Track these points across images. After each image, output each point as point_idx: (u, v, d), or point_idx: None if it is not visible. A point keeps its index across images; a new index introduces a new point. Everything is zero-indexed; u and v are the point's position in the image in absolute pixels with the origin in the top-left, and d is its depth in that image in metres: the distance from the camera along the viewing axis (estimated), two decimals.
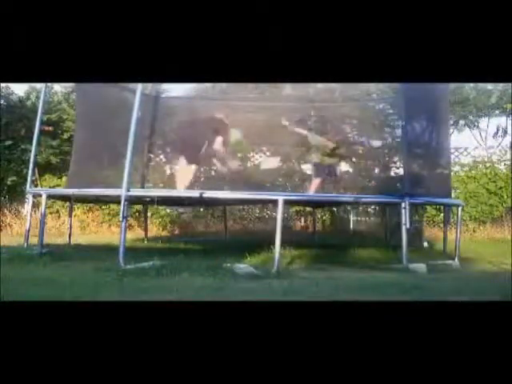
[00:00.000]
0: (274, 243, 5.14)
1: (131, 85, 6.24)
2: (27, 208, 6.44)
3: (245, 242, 7.39)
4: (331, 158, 7.38)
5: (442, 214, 9.11)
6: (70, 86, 10.55)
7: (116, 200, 6.09)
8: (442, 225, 8.58)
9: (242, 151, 8.94)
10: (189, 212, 10.90)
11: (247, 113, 7.88)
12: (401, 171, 6.90)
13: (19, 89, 11.18)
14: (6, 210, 9.71)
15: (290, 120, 7.45)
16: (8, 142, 10.30)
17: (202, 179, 9.12)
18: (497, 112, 12.43)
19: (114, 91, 7.15)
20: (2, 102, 10.80)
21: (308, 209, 9.94)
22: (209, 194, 5.89)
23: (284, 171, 9.51)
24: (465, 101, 11.89)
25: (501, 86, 11.48)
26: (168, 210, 10.66)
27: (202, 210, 10.78)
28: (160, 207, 9.87)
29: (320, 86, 9.33)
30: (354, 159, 8.81)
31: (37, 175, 6.53)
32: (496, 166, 11.20)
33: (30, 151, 6.77)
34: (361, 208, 10.14)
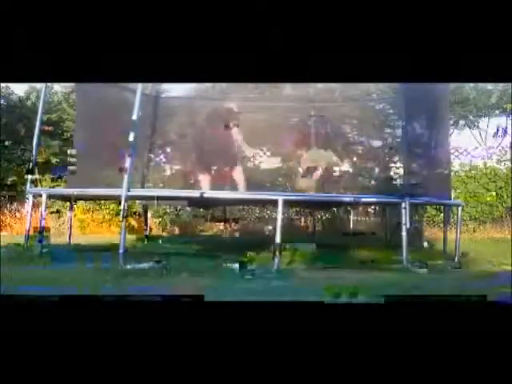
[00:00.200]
0: (274, 243, 5.14)
1: (131, 85, 6.24)
2: (27, 208, 6.44)
3: (245, 241, 7.39)
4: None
5: (441, 214, 9.11)
6: (70, 85, 10.56)
7: (116, 199, 6.09)
8: (442, 225, 8.58)
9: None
10: (189, 212, 10.91)
11: (247, 113, 7.87)
12: (401, 171, 6.90)
13: (19, 89, 11.21)
14: (5, 210, 9.71)
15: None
16: (8, 142, 10.31)
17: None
18: (497, 112, 12.44)
19: (113, 91, 7.15)
20: (2, 102, 10.81)
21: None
22: (209, 194, 5.89)
23: (284, 171, 9.51)
24: (465, 101, 11.91)
25: (501, 86, 11.49)
26: (168, 210, 10.68)
27: (201, 210, 10.78)
28: (160, 207, 9.88)
29: (320, 85, 9.33)
30: (354, 159, 8.81)
31: (37, 175, 6.52)
32: (496, 165, 11.22)
33: (30, 151, 6.77)
34: (361, 208, 10.14)
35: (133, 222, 10.03)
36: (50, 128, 10.22)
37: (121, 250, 5.12)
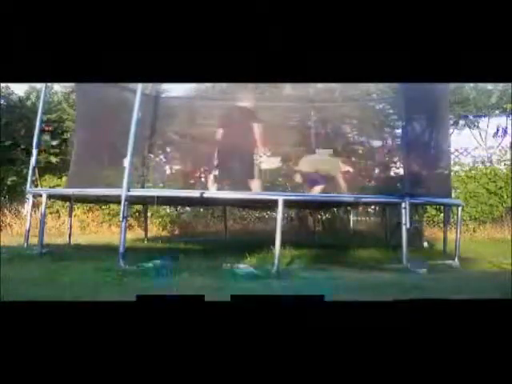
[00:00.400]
0: (274, 243, 5.14)
1: (131, 85, 6.24)
2: (27, 208, 6.44)
3: (245, 241, 7.39)
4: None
5: (441, 214, 9.11)
6: (70, 85, 10.56)
7: (116, 200, 6.09)
8: (442, 225, 8.58)
9: None
10: (189, 212, 10.91)
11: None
12: (401, 171, 6.90)
13: (19, 89, 11.21)
14: (6, 210, 9.71)
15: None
16: (8, 142, 10.30)
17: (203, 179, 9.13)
18: (497, 112, 12.45)
19: (113, 91, 7.15)
20: (2, 101, 10.81)
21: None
22: (209, 194, 5.90)
23: (284, 171, 9.52)
24: (465, 101, 11.91)
25: (501, 86, 11.49)
26: (168, 210, 10.68)
27: (201, 210, 10.80)
28: (160, 207, 9.88)
29: (320, 85, 9.33)
30: (353, 159, 8.82)
31: (37, 175, 6.52)
32: (496, 165, 11.22)
33: (30, 151, 6.78)
34: (361, 208, 10.14)
35: (133, 222, 10.04)
36: (50, 128, 10.23)
37: (121, 250, 5.12)
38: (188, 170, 9.38)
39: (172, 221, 10.68)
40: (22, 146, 10.15)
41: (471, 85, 11.75)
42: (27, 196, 6.51)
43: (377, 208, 9.99)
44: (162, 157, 9.23)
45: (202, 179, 9.11)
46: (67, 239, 7.11)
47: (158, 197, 6.31)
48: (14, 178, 10.20)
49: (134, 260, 5.00)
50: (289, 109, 8.57)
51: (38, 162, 6.69)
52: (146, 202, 7.84)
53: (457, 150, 11.26)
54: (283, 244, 5.27)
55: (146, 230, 8.79)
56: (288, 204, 6.27)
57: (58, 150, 10.48)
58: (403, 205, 5.44)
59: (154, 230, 9.96)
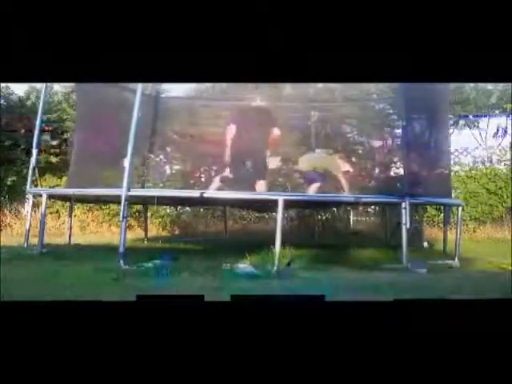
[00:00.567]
0: (274, 243, 5.14)
1: (131, 85, 6.24)
2: (27, 208, 6.44)
3: (245, 241, 7.39)
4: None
5: (442, 214, 9.11)
6: (70, 85, 10.56)
7: (116, 200, 6.09)
8: (442, 225, 8.59)
9: None
10: (189, 212, 10.92)
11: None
12: (401, 171, 6.90)
13: (19, 89, 11.21)
14: (6, 210, 9.71)
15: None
16: (8, 142, 10.31)
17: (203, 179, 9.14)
18: (497, 112, 12.45)
19: (113, 91, 7.16)
20: (2, 101, 10.81)
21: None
22: (209, 194, 5.90)
23: (284, 171, 9.52)
24: (465, 101, 11.92)
25: (501, 86, 11.50)
26: (168, 210, 10.68)
27: (201, 210, 10.80)
28: (160, 207, 9.89)
29: (320, 85, 9.34)
30: (353, 159, 8.82)
31: (37, 175, 6.52)
32: (496, 165, 11.22)
33: (30, 151, 6.78)
34: (361, 208, 10.14)
35: (133, 222, 10.05)
36: (50, 128, 10.23)
37: (121, 250, 5.12)
38: (188, 170, 9.39)
39: (172, 221, 10.68)
40: (22, 146, 10.15)
41: (471, 85, 11.76)
42: (27, 196, 6.51)
43: (377, 208, 9.99)
44: (161, 157, 9.23)
45: (202, 179, 9.12)
46: (67, 239, 7.11)
47: (157, 197, 6.32)
48: (14, 178, 10.21)
49: (133, 260, 5.00)
50: (289, 109, 8.56)
51: (38, 162, 6.69)
52: (145, 202, 7.84)
53: (457, 150, 11.27)
54: (283, 244, 5.27)
55: (145, 229, 8.79)
56: (288, 204, 6.26)
57: (58, 150, 10.48)
58: (403, 205, 5.44)
59: (154, 229, 9.96)
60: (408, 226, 5.40)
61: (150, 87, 8.29)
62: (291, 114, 8.56)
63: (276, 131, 6.35)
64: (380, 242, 7.70)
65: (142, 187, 7.83)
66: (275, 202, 5.60)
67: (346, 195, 6.83)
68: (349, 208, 9.90)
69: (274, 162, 7.24)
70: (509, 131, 12.41)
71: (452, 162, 9.74)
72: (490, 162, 11.32)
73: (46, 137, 10.11)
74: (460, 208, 6.87)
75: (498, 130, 12.57)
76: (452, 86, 9.56)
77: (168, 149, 9.20)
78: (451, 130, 11.50)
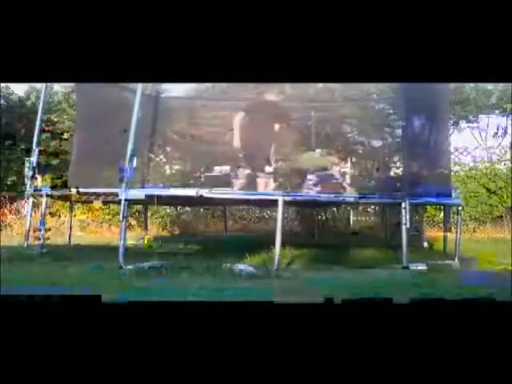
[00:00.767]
0: (274, 243, 5.14)
1: (131, 85, 6.24)
2: (27, 208, 6.44)
3: (245, 241, 7.38)
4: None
5: (441, 214, 9.11)
6: (70, 85, 10.57)
7: (116, 200, 6.09)
8: (442, 225, 8.58)
9: None
10: (189, 212, 10.92)
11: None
12: (401, 171, 6.89)
13: (19, 89, 11.21)
14: (6, 210, 9.71)
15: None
16: (8, 142, 10.31)
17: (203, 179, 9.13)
18: (497, 112, 12.45)
19: (113, 91, 7.15)
20: (2, 101, 10.81)
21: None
22: (209, 194, 5.89)
23: (284, 171, 9.50)
24: (465, 101, 11.91)
25: (501, 86, 11.50)
26: (168, 210, 10.68)
27: (201, 210, 10.80)
28: (160, 207, 9.89)
29: (320, 85, 9.33)
30: (353, 159, 8.81)
31: (37, 175, 6.52)
32: (496, 165, 11.22)
33: (30, 151, 6.78)
34: (361, 208, 10.14)
35: (133, 222, 10.05)
36: (50, 128, 10.23)
37: (121, 250, 5.12)
38: (188, 170, 9.39)
39: (172, 221, 10.68)
40: (22, 146, 10.15)
41: (471, 85, 11.75)
42: (27, 196, 6.50)
43: (377, 208, 9.98)
44: (161, 157, 9.22)
45: (202, 179, 9.11)
46: (67, 239, 7.11)
47: (158, 197, 6.31)
48: (14, 178, 10.21)
49: (133, 260, 4.99)
50: (289, 109, 8.54)
51: (37, 162, 6.68)
52: (146, 202, 7.83)
53: (457, 150, 11.26)
54: (283, 244, 5.27)
55: (145, 230, 8.79)
56: (288, 203, 6.25)
57: (58, 150, 10.48)
58: (403, 205, 5.43)
59: (154, 230, 9.95)
60: (408, 225, 5.39)
61: (149, 87, 8.27)
62: (291, 114, 8.54)
63: (284, 127, 6.43)
64: (380, 242, 7.70)
65: (142, 187, 7.82)
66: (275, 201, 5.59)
67: (346, 195, 6.82)
68: (349, 208, 9.89)
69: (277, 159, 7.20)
70: (509, 131, 12.42)
71: (452, 161, 9.74)
72: (490, 161, 11.32)
73: (46, 137, 10.12)
74: (460, 208, 6.87)
75: (498, 130, 12.58)
76: (452, 85, 9.55)
77: (168, 149, 9.19)
78: (451, 130, 11.50)
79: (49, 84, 8.06)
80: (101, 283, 4.01)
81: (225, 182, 6.37)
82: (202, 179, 9.01)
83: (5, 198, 10.19)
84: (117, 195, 5.28)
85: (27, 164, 6.34)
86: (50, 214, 8.75)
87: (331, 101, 9.18)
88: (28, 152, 7.31)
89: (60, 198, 8.15)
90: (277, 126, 6.46)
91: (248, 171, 6.33)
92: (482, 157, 11.58)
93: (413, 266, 5.29)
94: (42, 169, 6.99)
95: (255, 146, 6.29)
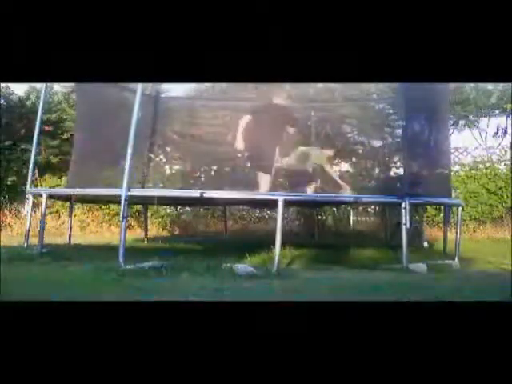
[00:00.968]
0: (274, 243, 5.13)
1: (131, 85, 6.24)
2: (27, 208, 6.44)
3: (245, 241, 7.38)
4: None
5: (441, 214, 9.11)
6: (70, 85, 10.56)
7: (116, 200, 6.08)
8: (442, 225, 8.58)
9: None
10: (189, 212, 10.92)
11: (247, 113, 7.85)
12: (401, 171, 6.89)
13: (19, 89, 11.20)
14: (6, 210, 9.71)
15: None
16: (8, 142, 10.30)
17: (203, 179, 9.13)
18: (497, 112, 12.44)
19: (113, 91, 7.15)
20: (2, 101, 10.80)
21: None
22: (209, 193, 5.89)
23: (284, 171, 9.50)
24: (465, 101, 11.90)
25: (501, 86, 11.49)
26: (168, 210, 10.68)
27: (201, 210, 10.80)
28: (160, 207, 9.88)
29: (320, 85, 9.33)
30: (354, 159, 8.81)
31: (37, 175, 6.52)
32: (496, 165, 11.21)
33: (30, 151, 6.78)
34: (361, 208, 10.14)
35: (133, 222, 10.05)
36: (50, 128, 10.23)
37: (121, 250, 5.12)
38: (188, 170, 9.39)
39: (172, 221, 10.68)
40: (22, 146, 10.14)
41: (471, 85, 11.74)
42: (27, 196, 6.51)
43: (377, 208, 9.98)
44: (161, 157, 9.22)
45: (202, 179, 9.11)
46: (67, 239, 7.11)
47: (158, 197, 6.31)
48: (14, 178, 10.20)
49: (133, 260, 4.99)
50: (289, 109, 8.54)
51: (37, 162, 6.68)
52: (146, 201, 7.83)
53: (457, 150, 11.25)
54: (283, 244, 5.27)
55: (145, 229, 8.79)
56: (287, 203, 6.25)
57: (57, 150, 10.48)
58: (403, 205, 5.43)
59: (154, 229, 9.95)
60: (408, 226, 5.39)
61: (149, 87, 8.28)
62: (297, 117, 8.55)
63: (291, 131, 6.48)
64: (380, 242, 7.70)
65: (142, 187, 7.82)
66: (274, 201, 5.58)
67: (346, 195, 6.82)
68: (349, 208, 9.89)
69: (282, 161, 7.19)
70: (509, 131, 12.41)
71: (452, 161, 9.74)
72: (490, 162, 11.31)
73: (46, 137, 10.12)
74: (460, 208, 6.87)
75: (497, 130, 12.57)
76: (452, 85, 9.55)
77: (168, 149, 9.19)
78: (451, 130, 11.49)
79: (49, 84, 8.06)
80: (101, 283, 4.01)
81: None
82: (202, 179, 9.03)
83: (5, 198, 10.19)
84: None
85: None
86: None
87: (331, 101, 9.19)
88: (28, 152, 7.32)
89: (60, 198, 8.17)
90: (283, 130, 6.47)
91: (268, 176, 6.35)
92: (482, 157, 11.56)
93: (413, 266, 5.29)
94: (42, 169, 7.00)
95: (260, 148, 6.30)
